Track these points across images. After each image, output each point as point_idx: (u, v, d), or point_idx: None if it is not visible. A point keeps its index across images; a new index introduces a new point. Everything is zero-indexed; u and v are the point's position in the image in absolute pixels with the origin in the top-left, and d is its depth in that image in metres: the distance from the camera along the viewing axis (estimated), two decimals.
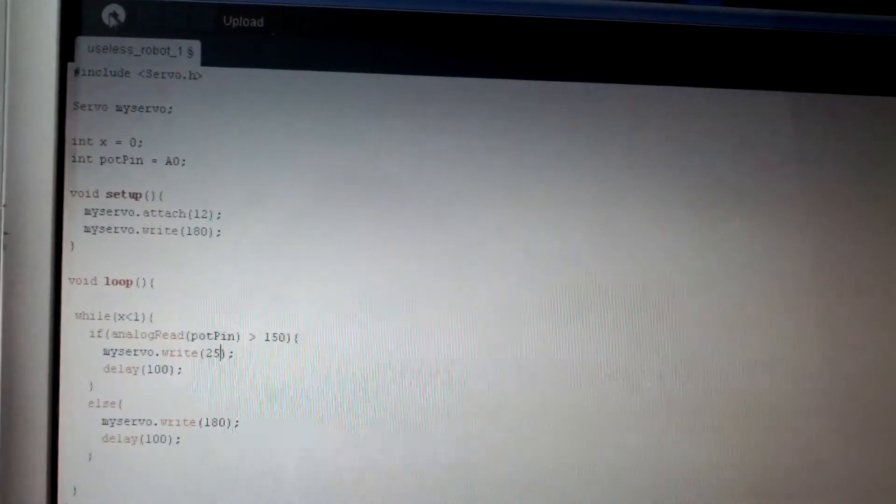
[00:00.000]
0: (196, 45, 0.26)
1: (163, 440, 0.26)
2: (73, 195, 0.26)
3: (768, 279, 0.28)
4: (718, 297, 0.28)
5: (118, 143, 0.26)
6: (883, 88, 0.29)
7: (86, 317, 0.26)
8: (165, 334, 0.26)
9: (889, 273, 0.28)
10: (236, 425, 0.26)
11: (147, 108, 0.26)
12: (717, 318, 0.28)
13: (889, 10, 0.29)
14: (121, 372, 0.26)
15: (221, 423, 0.26)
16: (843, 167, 0.28)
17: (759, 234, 0.28)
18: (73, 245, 0.26)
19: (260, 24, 0.27)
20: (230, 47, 0.27)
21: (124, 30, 0.26)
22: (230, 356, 0.26)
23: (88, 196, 0.26)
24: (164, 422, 0.26)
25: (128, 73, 0.26)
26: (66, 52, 0.26)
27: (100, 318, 0.26)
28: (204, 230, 0.26)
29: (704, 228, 0.28)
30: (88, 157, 0.26)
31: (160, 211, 0.26)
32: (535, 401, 0.27)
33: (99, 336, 0.26)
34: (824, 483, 0.28)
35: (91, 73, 0.26)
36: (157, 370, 0.26)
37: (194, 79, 0.26)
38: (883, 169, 0.29)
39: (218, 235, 0.26)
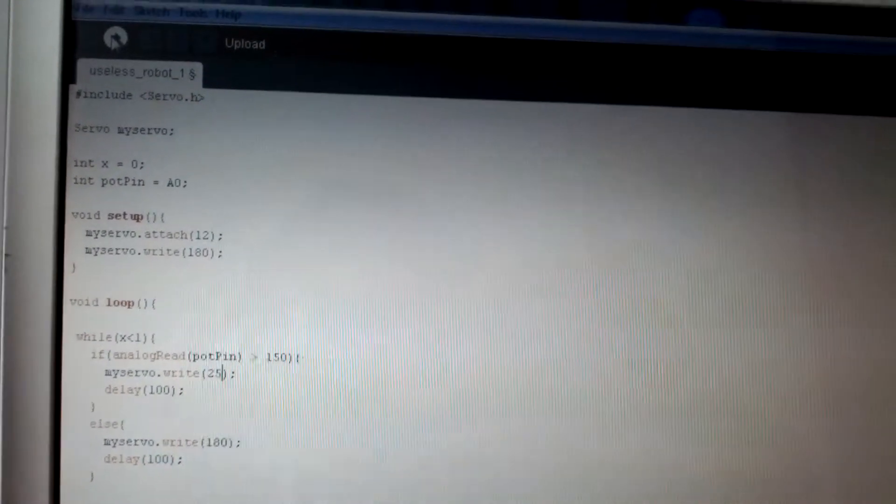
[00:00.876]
0: (198, 67, 0.27)
1: (165, 460, 0.26)
2: (75, 217, 0.26)
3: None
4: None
5: (120, 164, 0.26)
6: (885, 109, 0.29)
7: (87, 338, 0.26)
8: (167, 355, 0.26)
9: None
10: (238, 445, 0.27)
11: (149, 129, 0.26)
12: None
13: (886, 31, 0.29)
14: (122, 393, 0.26)
15: (223, 444, 0.27)
16: (845, 187, 0.29)
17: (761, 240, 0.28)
18: (74, 266, 0.26)
19: (262, 46, 0.27)
20: (232, 69, 0.27)
21: (126, 52, 0.26)
22: (232, 376, 0.27)
23: (90, 218, 0.26)
24: (166, 442, 0.26)
25: (129, 94, 0.26)
26: (68, 74, 0.26)
27: (101, 339, 0.26)
28: (205, 251, 0.27)
29: (707, 242, 0.28)
30: (90, 178, 0.26)
31: (162, 232, 0.26)
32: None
33: (101, 357, 0.26)
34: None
35: (93, 94, 0.26)
36: (159, 391, 0.26)
37: (196, 101, 0.27)
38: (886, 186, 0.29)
39: (219, 256, 0.27)
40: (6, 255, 0.26)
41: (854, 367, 0.28)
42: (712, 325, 0.28)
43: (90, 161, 0.26)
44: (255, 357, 0.27)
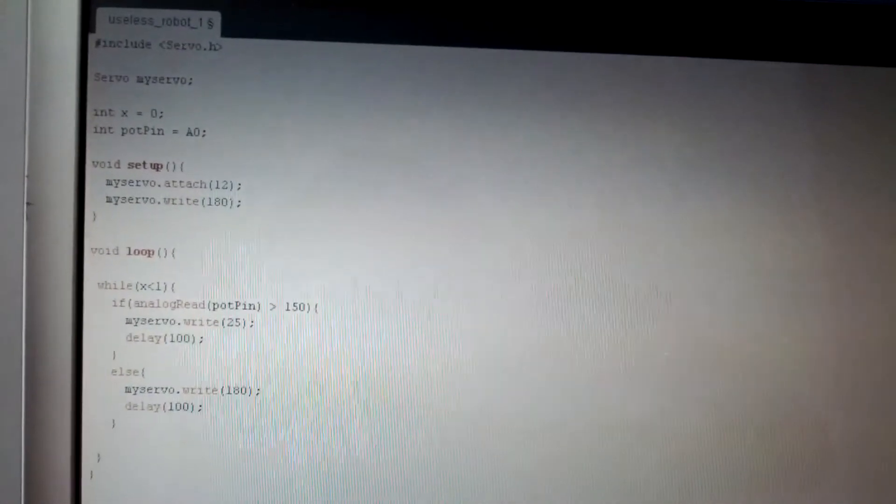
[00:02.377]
0: (216, 16, 0.27)
1: (185, 408, 0.27)
2: (95, 166, 0.26)
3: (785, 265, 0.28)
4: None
5: (139, 114, 0.26)
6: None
7: (108, 286, 0.26)
8: (187, 304, 0.27)
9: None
10: (258, 393, 0.27)
11: (168, 79, 0.27)
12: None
13: None
14: (143, 341, 0.27)
15: (243, 392, 0.27)
16: (863, 145, 0.29)
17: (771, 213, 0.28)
18: (95, 215, 0.26)
19: None
20: (250, 18, 0.27)
21: (145, 0, 0.26)
22: (251, 325, 0.27)
23: (110, 167, 0.26)
24: (186, 390, 0.27)
25: (148, 44, 0.26)
26: (87, 23, 0.26)
27: (122, 288, 0.27)
28: (224, 200, 0.27)
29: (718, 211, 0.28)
30: (110, 127, 0.26)
31: (181, 181, 0.27)
32: (549, 369, 0.27)
33: (121, 305, 0.26)
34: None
35: (112, 44, 0.26)
36: (179, 339, 0.27)
37: (214, 50, 0.27)
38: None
39: (238, 206, 0.27)
40: (28, 203, 0.26)
41: None
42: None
43: (110, 110, 0.26)
44: (274, 306, 0.27)
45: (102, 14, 0.26)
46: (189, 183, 0.27)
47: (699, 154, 0.28)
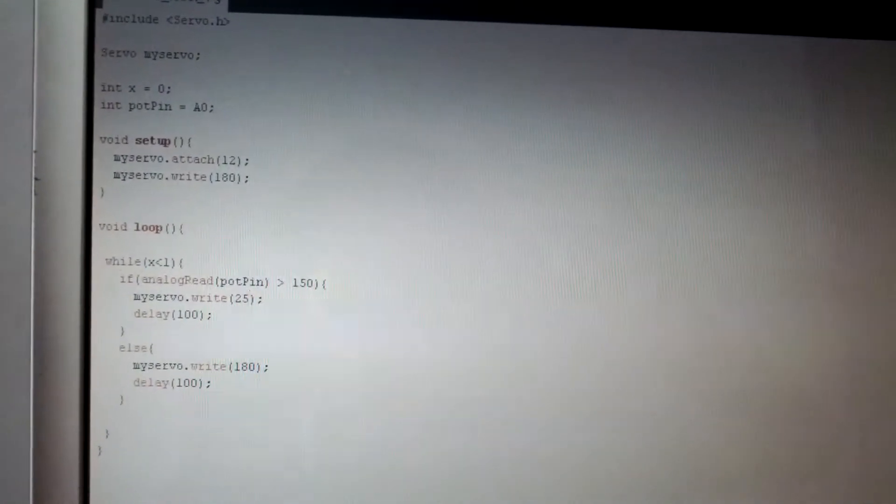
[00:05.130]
0: None
1: (193, 384, 0.27)
2: (103, 141, 0.26)
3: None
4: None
5: (147, 89, 0.26)
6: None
7: (116, 262, 0.26)
8: (195, 280, 0.27)
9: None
10: (265, 369, 0.27)
11: (175, 54, 0.26)
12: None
13: None
14: (151, 317, 0.27)
15: (251, 368, 0.27)
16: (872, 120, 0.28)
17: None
18: (102, 191, 0.26)
19: None
20: None
21: None
22: (259, 301, 0.27)
23: (118, 142, 0.26)
24: (194, 366, 0.27)
25: (156, 19, 0.26)
26: None
27: (130, 264, 0.26)
28: (232, 176, 0.27)
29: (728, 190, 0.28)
30: (117, 103, 0.26)
31: (189, 157, 0.27)
32: (567, 356, 0.27)
33: (129, 281, 0.26)
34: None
35: (119, 18, 0.26)
36: (187, 315, 0.27)
37: (222, 24, 0.26)
38: None
39: (246, 181, 0.27)
40: (35, 179, 0.26)
41: None
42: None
43: (117, 86, 0.26)
44: (282, 282, 0.27)
45: None
46: (197, 158, 0.27)
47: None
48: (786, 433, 0.28)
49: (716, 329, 0.28)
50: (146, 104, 0.26)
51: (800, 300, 0.28)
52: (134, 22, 0.26)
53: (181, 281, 0.27)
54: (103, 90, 0.26)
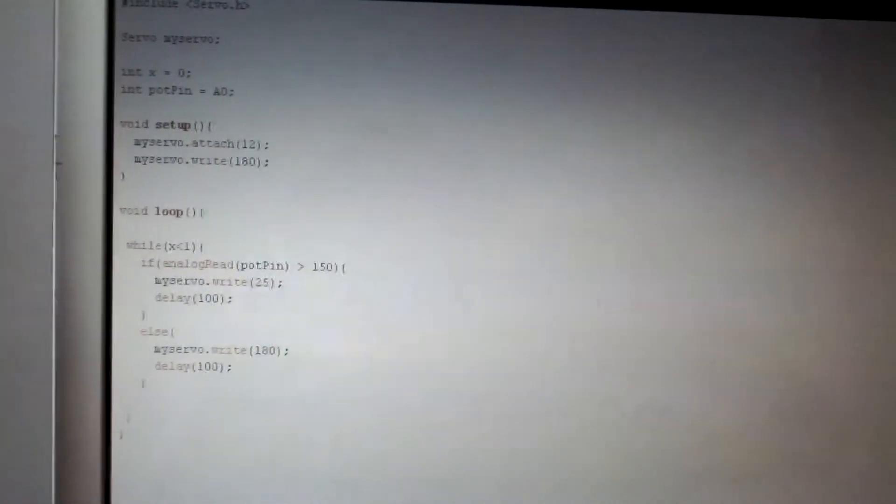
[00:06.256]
0: None
1: (214, 368, 0.27)
2: (124, 126, 0.26)
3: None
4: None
5: (167, 73, 0.26)
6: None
7: (137, 246, 0.26)
8: (216, 264, 0.27)
9: None
10: (286, 353, 0.27)
11: (195, 38, 0.26)
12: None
13: None
14: (172, 301, 0.27)
15: (272, 352, 0.27)
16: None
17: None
18: (123, 175, 0.26)
19: None
20: None
21: None
22: (279, 285, 0.27)
23: (138, 126, 0.26)
24: (215, 350, 0.27)
25: (175, 3, 0.26)
26: None
27: (151, 248, 0.27)
28: (252, 160, 0.27)
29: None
30: (138, 87, 0.26)
31: (209, 141, 0.27)
32: (567, 331, 0.27)
33: (150, 265, 0.26)
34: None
35: (139, 3, 0.26)
36: (208, 299, 0.27)
37: (241, 8, 0.26)
38: None
39: (266, 165, 0.27)
40: (57, 163, 0.26)
41: None
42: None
43: (138, 70, 0.26)
44: (302, 266, 0.27)
45: None
46: (217, 142, 0.27)
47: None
48: (793, 428, 0.28)
49: (722, 323, 0.28)
50: (166, 88, 0.26)
51: (809, 294, 0.28)
52: (154, 6, 0.26)
53: (202, 265, 0.27)
54: (124, 74, 0.26)
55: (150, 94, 0.26)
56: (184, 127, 0.26)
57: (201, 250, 0.27)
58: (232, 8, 0.26)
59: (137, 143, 0.26)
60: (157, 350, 0.27)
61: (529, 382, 0.27)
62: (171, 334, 0.27)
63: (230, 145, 0.27)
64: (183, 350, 0.27)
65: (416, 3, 0.27)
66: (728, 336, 0.28)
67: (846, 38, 0.28)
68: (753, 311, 0.28)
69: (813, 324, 0.28)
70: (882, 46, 0.28)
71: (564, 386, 0.27)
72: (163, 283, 0.27)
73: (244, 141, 0.27)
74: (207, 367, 0.27)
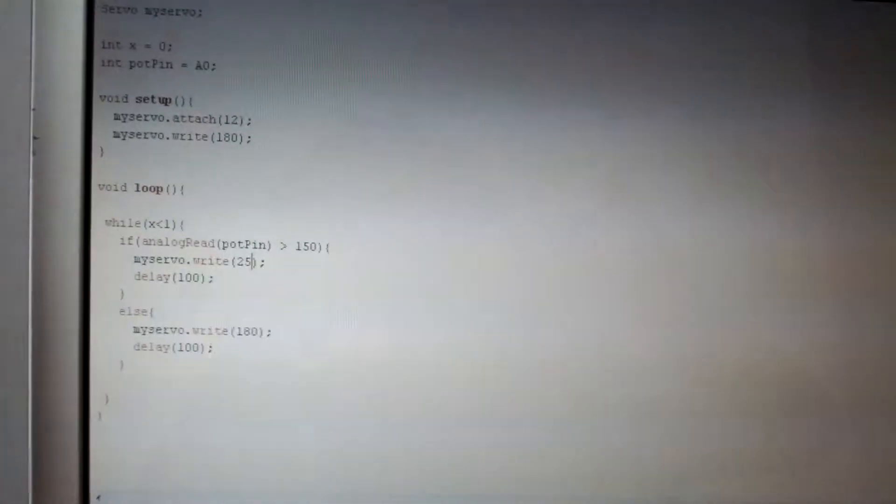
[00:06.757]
0: None
1: (195, 349, 0.26)
2: (103, 100, 0.26)
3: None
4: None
5: (147, 46, 0.26)
6: None
7: (116, 224, 0.26)
8: (196, 242, 0.26)
9: None
10: (268, 335, 0.26)
11: (176, 10, 0.26)
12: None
13: None
14: (152, 280, 0.26)
15: (253, 333, 0.26)
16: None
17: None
18: (102, 151, 0.26)
19: None
20: None
21: None
22: (261, 265, 0.26)
23: (118, 101, 0.26)
24: (196, 331, 0.26)
25: None
26: None
27: (130, 226, 0.26)
28: (234, 136, 0.26)
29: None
30: (118, 60, 0.26)
31: (190, 116, 0.26)
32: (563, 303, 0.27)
33: (129, 243, 0.26)
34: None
35: None
36: (189, 278, 0.26)
37: None
38: None
39: (248, 142, 0.26)
40: (34, 137, 0.25)
41: None
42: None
43: (118, 43, 0.26)
44: (285, 246, 0.26)
45: None
46: (198, 118, 0.26)
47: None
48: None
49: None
50: (147, 62, 0.26)
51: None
52: None
53: (182, 243, 0.26)
54: (103, 47, 0.26)
55: (131, 67, 0.26)
56: (164, 102, 0.26)
57: (181, 228, 0.26)
58: None
59: (117, 117, 0.26)
60: (136, 330, 0.26)
61: (518, 362, 0.27)
62: (151, 314, 0.26)
63: (212, 121, 0.26)
64: (163, 330, 0.26)
65: None
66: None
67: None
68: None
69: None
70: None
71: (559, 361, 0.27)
72: (142, 262, 0.26)
73: (226, 117, 0.26)
74: (188, 347, 0.26)
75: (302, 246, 0.26)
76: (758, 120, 0.27)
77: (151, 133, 0.26)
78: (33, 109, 0.25)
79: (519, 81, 0.26)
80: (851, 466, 0.28)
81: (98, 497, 0.26)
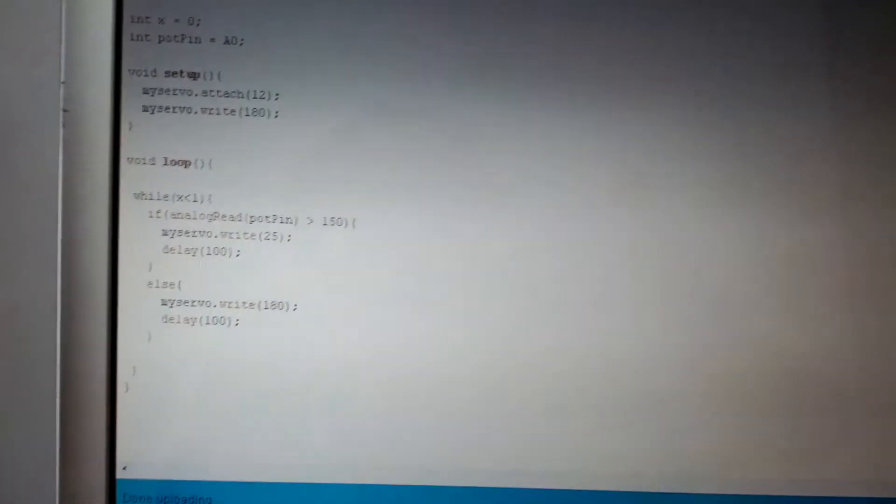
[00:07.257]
0: None
1: (222, 322, 0.26)
2: (132, 74, 0.26)
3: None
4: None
5: (176, 21, 0.26)
6: None
7: (144, 197, 0.26)
8: (224, 216, 0.26)
9: None
10: (295, 309, 0.26)
11: None
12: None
13: None
14: (179, 253, 0.26)
15: (280, 307, 0.26)
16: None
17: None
18: (131, 125, 0.26)
19: None
20: None
21: None
22: (288, 239, 0.26)
23: (147, 75, 0.26)
24: (222, 304, 0.26)
25: None
26: None
27: (158, 199, 0.26)
28: (262, 111, 0.26)
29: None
30: (146, 35, 0.26)
31: (218, 91, 0.26)
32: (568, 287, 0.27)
33: (158, 217, 0.26)
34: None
35: None
36: (216, 252, 0.26)
37: None
38: None
39: (276, 116, 0.26)
40: (64, 110, 0.25)
41: None
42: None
43: (147, 17, 0.26)
44: (312, 221, 0.26)
45: None
46: (226, 93, 0.26)
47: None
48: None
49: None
50: (175, 36, 0.26)
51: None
52: None
53: (210, 217, 0.26)
54: (132, 22, 0.26)
55: (160, 42, 0.26)
56: (193, 76, 0.26)
57: (209, 202, 0.26)
58: None
59: (146, 91, 0.26)
60: (163, 303, 0.26)
61: (538, 340, 0.27)
62: (178, 287, 0.26)
63: (240, 95, 0.26)
64: (190, 303, 0.26)
65: None
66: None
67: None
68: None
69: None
70: None
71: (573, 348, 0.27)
72: (170, 235, 0.26)
73: (254, 91, 0.26)
74: (214, 321, 0.26)
75: (329, 221, 0.26)
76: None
77: (180, 107, 0.26)
78: (63, 83, 0.25)
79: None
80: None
81: (124, 467, 0.27)
